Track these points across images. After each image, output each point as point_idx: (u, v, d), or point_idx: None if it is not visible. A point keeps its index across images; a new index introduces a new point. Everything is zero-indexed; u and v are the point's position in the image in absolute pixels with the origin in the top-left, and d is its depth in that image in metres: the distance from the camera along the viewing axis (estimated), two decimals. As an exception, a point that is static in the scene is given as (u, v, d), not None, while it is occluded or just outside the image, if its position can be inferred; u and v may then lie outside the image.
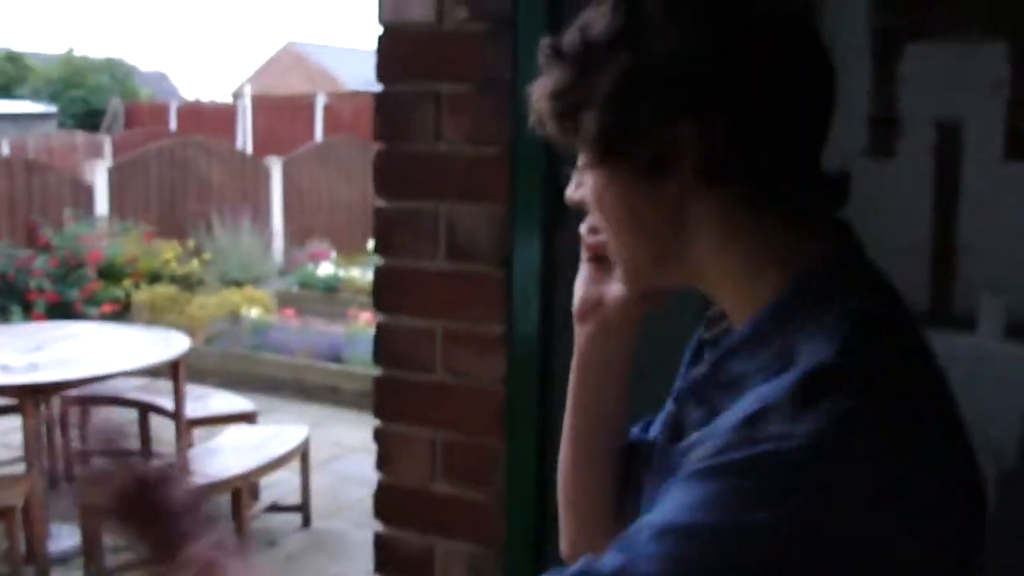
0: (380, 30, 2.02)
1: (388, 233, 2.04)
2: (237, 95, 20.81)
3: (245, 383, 7.94)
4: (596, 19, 0.98)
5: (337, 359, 8.22)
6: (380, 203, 2.05)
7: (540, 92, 1.02)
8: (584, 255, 1.17)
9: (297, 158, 13.93)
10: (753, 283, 0.98)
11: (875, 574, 0.85)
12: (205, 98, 28.99)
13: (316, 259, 11.45)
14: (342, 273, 10.70)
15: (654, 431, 1.20)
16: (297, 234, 12.78)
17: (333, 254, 11.70)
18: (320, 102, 18.24)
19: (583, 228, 1.15)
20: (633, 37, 0.95)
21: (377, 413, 2.09)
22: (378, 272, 2.07)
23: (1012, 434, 3.02)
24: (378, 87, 2.03)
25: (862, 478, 0.85)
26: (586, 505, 1.25)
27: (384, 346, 2.06)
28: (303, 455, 5.52)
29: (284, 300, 10.17)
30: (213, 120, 19.36)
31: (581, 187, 1.06)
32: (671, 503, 0.87)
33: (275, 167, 13.56)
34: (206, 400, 6.19)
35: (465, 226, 1.93)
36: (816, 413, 0.84)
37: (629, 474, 1.21)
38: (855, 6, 3.23)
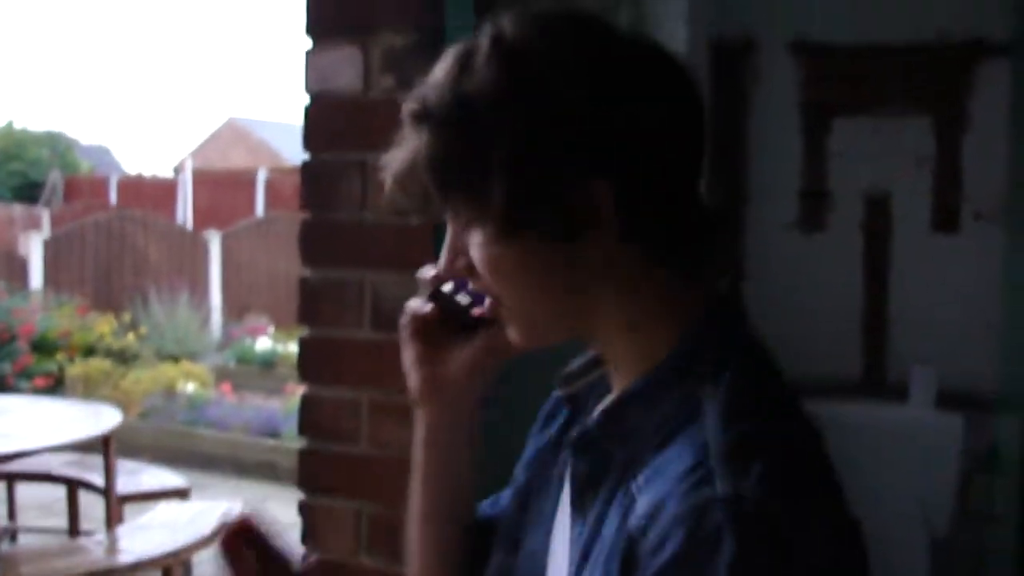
0: (306, 99, 2.02)
1: (313, 303, 2.02)
2: (178, 169, 20.75)
3: (180, 459, 7.80)
4: (465, 69, 0.93)
5: (274, 434, 8.11)
6: (306, 273, 2.03)
7: (407, 161, 0.96)
8: (407, 333, 1.12)
9: (236, 232, 13.87)
10: (647, 337, 0.97)
11: None
12: (147, 172, 28.87)
13: (254, 334, 11.35)
14: (280, 348, 10.60)
15: (504, 502, 1.19)
16: (235, 309, 12.67)
17: (271, 329, 11.61)
18: (261, 177, 18.21)
19: (413, 304, 1.11)
20: (523, 93, 0.91)
21: (301, 486, 2.05)
22: (303, 342, 2.04)
23: (944, 502, 3.03)
24: (305, 156, 2.02)
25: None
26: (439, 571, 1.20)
27: (309, 417, 2.03)
28: (236, 532, 5.40)
29: (221, 375, 10.05)
30: (154, 194, 19.26)
31: (458, 255, 1.01)
32: None
33: (214, 241, 13.48)
34: (138, 476, 6.06)
35: (390, 295, 1.91)
36: (750, 475, 0.85)
37: (478, 551, 1.17)
38: (783, 81, 3.29)
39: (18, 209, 17.75)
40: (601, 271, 0.95)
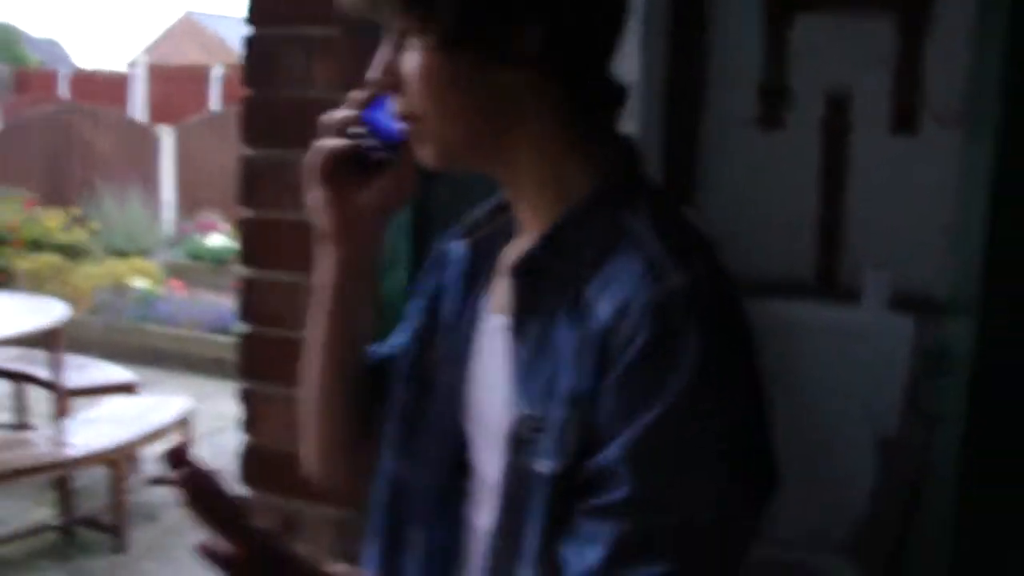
0: (250, -29, 1.93)
1: (254, 183, 1.95)
2: (132, 64, 20.35)
3: (129, 355, 7.73)
4: None
5: (225, 331, 8.05)
6: (246, 151, 1.96)
7: None
8: (319, 173, 1.21)
9: (189, 127, 13.61)
10: (566, 170, 1.12)
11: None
12: (98, 66, 28.28)
13: (206, 230, 11.20)
14: (233, 245, 10.48)
15: (396, 342, 1.32)
16: (188, 205, 12.50)
17: (224, 225, 11.46)
18: (217, 73, 17.89)
19: (326, 142, 1.20)
20: None
21: (242, 373, 2.00)
22: (242, 224, 1.98)
23: (892, 403, 3.04)
24: (247, 31, 1.94)
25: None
26: (335, 423, 1.32)
27: (249, 302, 1.98)
28: (185, 426, 5.38)
29: (172, 271, 9.94)
30: (106, 89, 18.92)
31: (389, 73, 1.11)
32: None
33: (166, 136, 13.25)
34: (86, 370, 6.00)
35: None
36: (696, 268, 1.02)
37: (375, 390, 1.29)
38: (747, -26, 3.21)
39: (-34, 101, 17.35)
40: (521, 102, 1.09)
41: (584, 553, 1.01)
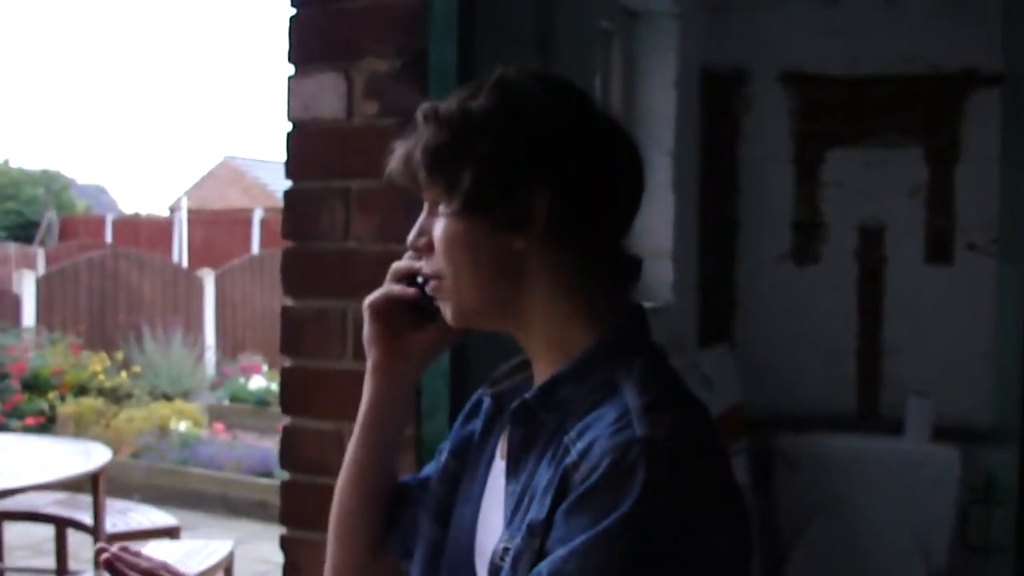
0: (289, 126, 1.99)
1: (296, 333, 1.98)
2: (174, 208, 20.76)
3: (171, 498, 7.71)
4: (473, 95, 1.19)
5: (267, 474, 8.03)
6: (288, 302, 1.99)
7: (412, 145, 1.20)
8: (376, 311, 1.33)
9: (231, 271, 13.82)
10: (570, 332, 1.20)
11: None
12: (143, 211, 28.88)
13: (248, 373, 11.27)
14: (274, 387, 10.51)
15: (418, 477, 1.42)
16: (229, 347, 12.62)
17: (265, 368, 11.54)
18: (257, 216, 18.21)
19: (396, 288, 1.31)
20: (506, 116, 1.17)
21: (283, 520, 2.00)
22: (285, 373, 2.00)
23: (942, 536, 2.99)
24: (287, 184, 1.99)
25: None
26: (356, 537, 1.41)
27: (291, 450, 1.99)
28: (227, 571, 5.34)
29: (214, 414, 9.98)
30: (150, 233, 19.25)
31: (423, 235, 1.22)
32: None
33: (208, 280, 13.44)
34: (128, 515, 5.98)
35: (374, 324, 1.88)
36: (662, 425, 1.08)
37: (396, 513, 1.40)
38: (776, 112, 3.27)
39: (13, 248, 17.69)
40: (533, 268, 1.18)
41: None
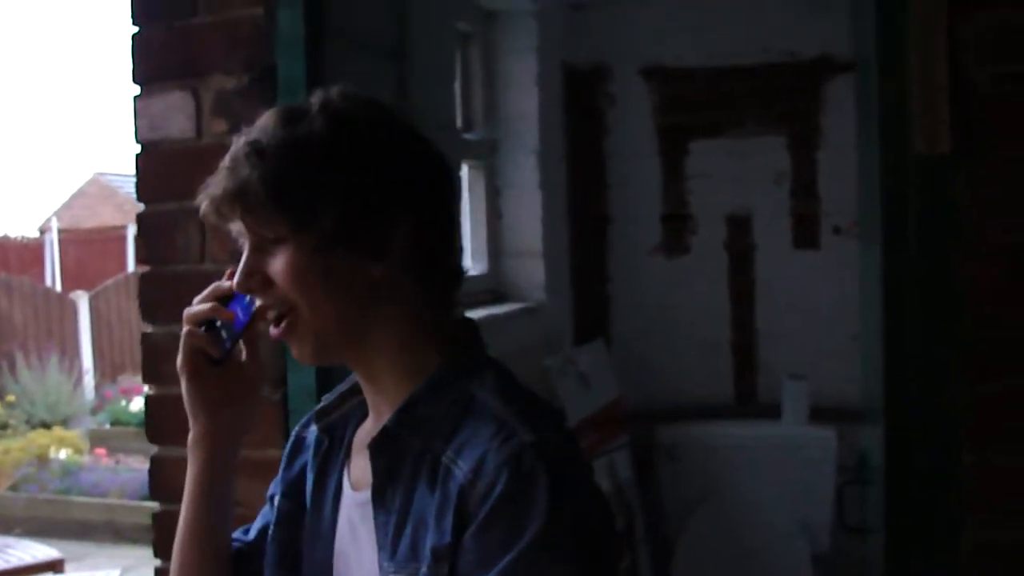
0: (138, 148, 1.93)
1: (157, 360, 1.93)
2: (44, 229, 20.18)
3: (55, 529, 7.50)
4: (298, 125, 1.16)
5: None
6: (147, 328, 1.93)
7: (239, 180, 1.14)
8: (186, 372, 1.27)
9: (105, 291, 13.48)
10: (420, 352, 1.20)
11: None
12: (11, 233, 28.01)
13: (128, 395, 10.99)
14: (157, 406, 10.27)
15: (253, 533, 1.37)
16: (108, 370, 12.30)
17: (146, 388, 11.27)
18: (131, 232, 17.82)
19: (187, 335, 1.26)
20: (350, 143, 1.15)
21: (156, 552, 1.95)
22: (148, 401, 1.95)
23: (823, 517, 3.04)
24: (139, 208, 1.93)
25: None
26: None
27: (160, 480, 1.94)
28: (115, 601, 5.21)
29: (96, 439, 9.71)
30: (19, 256, 18.67)
31: (254, 274, 1.18)
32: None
33: (82, 302, 13.09)
34: (7, 551, 5.80)
35: (235, 348, 1.83)
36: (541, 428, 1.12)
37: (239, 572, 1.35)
38: (639, 107, 3.29)
39: None
40: (386, 293, 1.17)
41: None
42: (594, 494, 1.15)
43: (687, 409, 3.20)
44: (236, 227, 1.18)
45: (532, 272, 2.93)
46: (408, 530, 1.13)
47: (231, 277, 1.23)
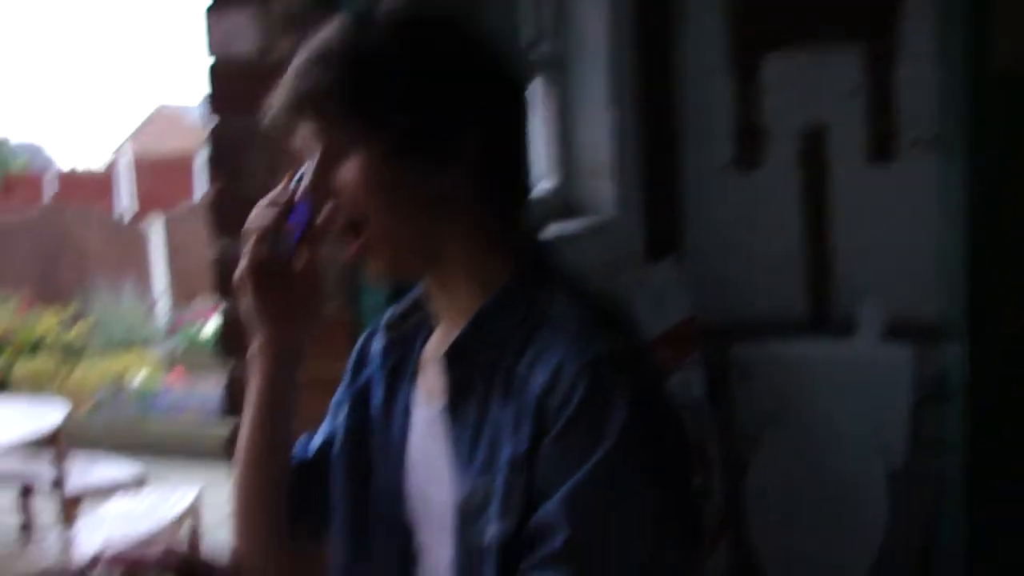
0: (209, 63, 1.92)
1: (229, 276, 1.92)
2: (113, 160, 20.41)
3: (134, 449, 7.65)
4: (364, 34, 1.15)
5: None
6: (219, 244, 1.94)
7: (297, 97, 1.13)
8: (249, 287, 1.25)
9: (176, 218, 13.63)
10: (490, 266, 1.19)
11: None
12: (82, 166, 28.37)
13: (202, 318, 11.16)
14: (230, 330, 10.41)
15: (315, 447, 1.37)
16: (182, 293, 12.48)
17: (221, 305, 11.41)
18: (198, 160, 17.98)
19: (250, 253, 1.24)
20: (419, 50, 1.14)
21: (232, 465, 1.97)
22: (222, 318, 1.96)
23: (899, 434, 3.01)
24: (211, 123, 1.93)
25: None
26: (264, 526, 1.35)
27: (233, 395, 1.95)
28: (195, 516, 5.33)
29: (172, 361, 9.90)
30: (91, 187, 18.92)
31: (323, 184, 1.16)
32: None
33: (154, 228, 13.26)
34: (91, 470, 5.94)
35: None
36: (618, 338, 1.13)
37: (301, 494, 1.34)
38: (711, 20, 3.22)
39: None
40: (457, 204, 1.16)
41: None
42: (669, 405, 1.16)
43: (761, 326, 3.17)
44: (303, 136, 1.17)
45: (603, 188, 2.89)
46: (484, 442, 1.13)
47: (290, 184, 1.22)
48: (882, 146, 3.16)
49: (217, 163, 1.92)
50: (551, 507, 1.05)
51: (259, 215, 1.25)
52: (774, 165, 3.24)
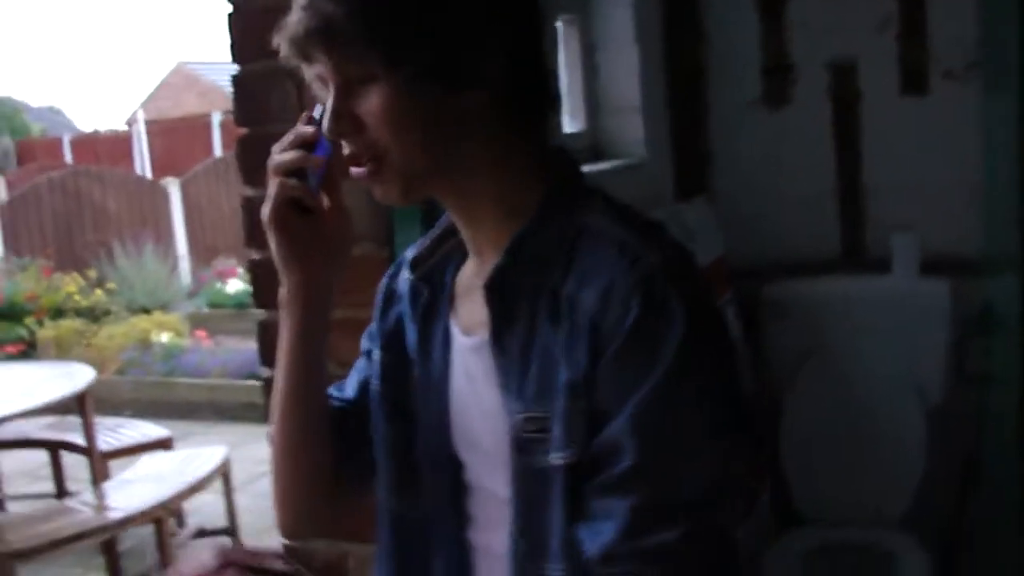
0: (230, 8, 1.88)
1: (259, 224, 1.89)
2: (131, 121, 20.42)
3: (160, 410, 7.72)
4: None
5: (254, 376, 8.02)
6: (248, 192, 1.90)
7: (323, 16, 1.07)
8: (275, 226, 1.22)
9: (195, 177, 13.64)
10: (520, 186, 1.16)
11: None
12: (100, 128, 28.37)
13: (224, 277, 11.19)
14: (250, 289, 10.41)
15: (351, 391, 1.35)
16: (202, 253, 12.51)
17: (240, 270, 11.44)
18: (216, 119, 17.95)
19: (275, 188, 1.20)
20: None
21: (268, 418, 1.95)
22: (253, 266, 1.93)
23: (936, 370, 2.97)
24: (234, 69, 1.89)
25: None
26: (306, 475, 1.32)
27: (267, 345, 1.92)
28: (224, 476, 5.34)
29: (195, 322, 9.93)
30: (109, 149, 18.98)
31: (342, 117, 1.11)
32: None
33: (173, 188, 13.27)
34: (119, 431, 5.97)
35: (340, 207, 1.80)
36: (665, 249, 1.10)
37: (344, 439, 1.32)
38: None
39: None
40: (482, 126, 1.12)
41: (599, 530, 1.05)
42: (722, 314, 1.15)
43: (793, 264, 3.12)
44: (317, 70, 1.12)
45: (631, 129, 2.84)
46: (534, 369, 1.11)
47: (309, 122, 1.19)
48: (914, 79, 3.09)
49: (243, 109, 1.89)
50: (616, 427, 1.04)
51: (281, 154, 1.21)
52: (803, 100, 3.18)
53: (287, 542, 1.96)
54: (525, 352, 1.12)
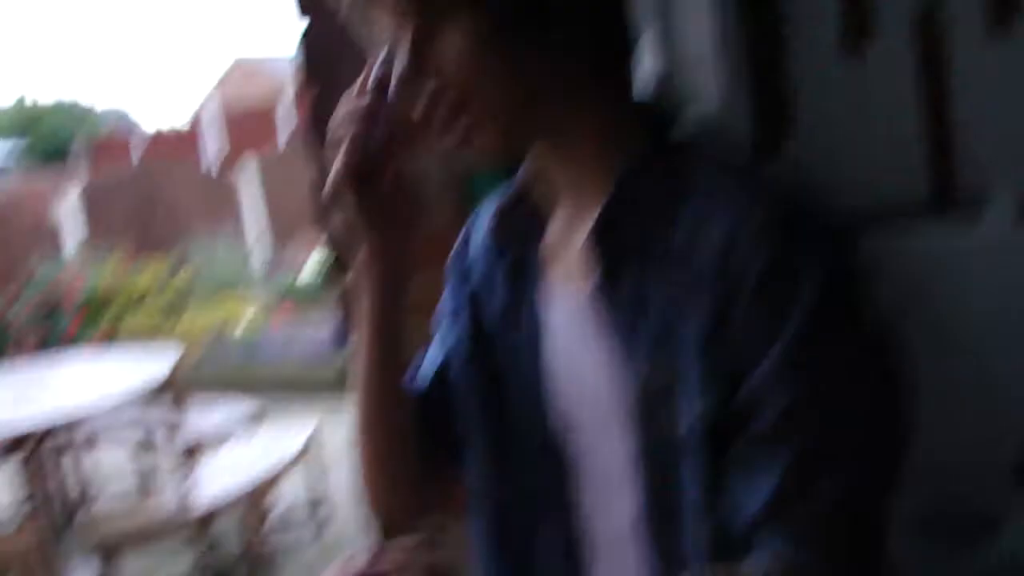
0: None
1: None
2: (196, 118, 20.65)
3: (244, 394, 7.79)
4: None
5: (331, 359, 8.06)
6: (318, 161, 1.86)
7: None
8: (348, 195, 1.16)
9: (264, 166, 13.77)
10: (616, 132, 1.11)
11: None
12: (165, 127, 28.76)
13: (298, 262, 11.25)
14: (325, 272, 10.48)
15: (431, 369, 1.31)
16: (278, 238, 12.61)
17: (315, 252, 11.50)
18: (279, 111, 18.10)
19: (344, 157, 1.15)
20: None
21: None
22: (329, 244, 1.89)
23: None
24: (302, 25, 1.84)
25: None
26: (390, 456, 1.28)
27: (347, 325, 1.88)
28: (313, 456, 5.38)
29: (274, 304, 10.01)
30: (176, 146, 19.24)
31: (423, 63, 1.05)
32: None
33: (243, 179, 13.40)
34: (206, 415, 6.04)
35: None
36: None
37: (429, 422, 1.28)
38: None
39: (44, 180, 17.67)
40: (574, 71, 1.08)
41: (756, 485, 0.99)
42: (856, 249, 1.11)
43: (881, 212, 3.02)
44: (387, 19, 1.06)
45: (707, 77, 2.76)
46: (651, 321, 1.06)
47: (364, 92, 1.15)
48: (1002, 14, 2.96)
49: (311, 68, 1.84)
50: (762, 377, 0.99)
51: (346, 114, 1.17)
52: (886, 42, 3.06)
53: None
54: (638, 304, 1.07)
